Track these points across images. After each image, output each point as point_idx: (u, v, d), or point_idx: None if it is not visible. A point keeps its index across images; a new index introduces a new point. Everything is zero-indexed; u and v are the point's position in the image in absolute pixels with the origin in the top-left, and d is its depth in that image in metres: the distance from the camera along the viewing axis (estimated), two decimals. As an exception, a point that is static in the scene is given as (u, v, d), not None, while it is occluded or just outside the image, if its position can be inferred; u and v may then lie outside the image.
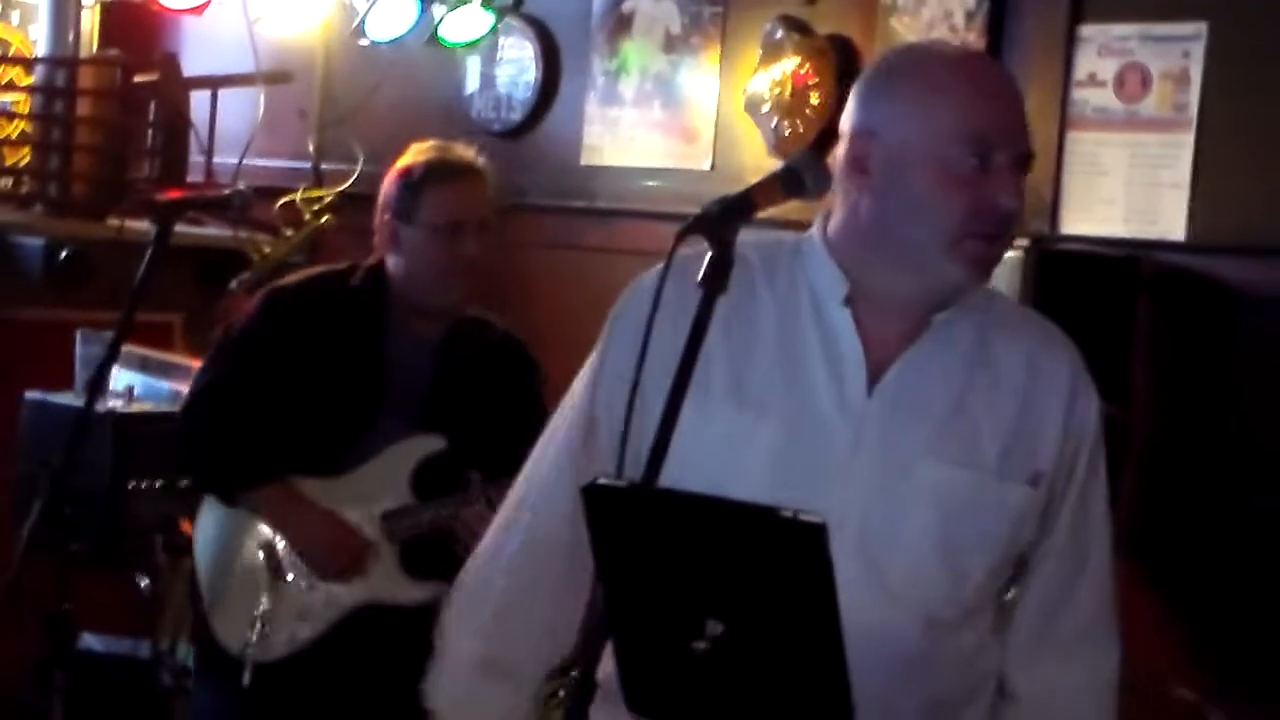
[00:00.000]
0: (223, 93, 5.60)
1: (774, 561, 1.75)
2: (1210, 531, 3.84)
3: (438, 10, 5.13)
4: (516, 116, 5.35)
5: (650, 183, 4.99)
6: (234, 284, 4.95)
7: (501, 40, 5.35)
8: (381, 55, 5.34)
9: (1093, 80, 4.09)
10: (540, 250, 5.22)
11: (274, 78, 5.52)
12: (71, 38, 5.70)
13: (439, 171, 3.78)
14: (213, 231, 5.32)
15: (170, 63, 5.68)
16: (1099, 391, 2.40)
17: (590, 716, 1.94)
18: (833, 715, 1.81)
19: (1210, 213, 3.87)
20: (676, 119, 4.98)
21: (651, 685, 1.87)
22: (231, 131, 5.55)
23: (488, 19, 5.18)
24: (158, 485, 4.37)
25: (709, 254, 2.03)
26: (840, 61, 4.54)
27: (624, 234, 4.94)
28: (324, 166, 5.50)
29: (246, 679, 3.60)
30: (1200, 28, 3.91)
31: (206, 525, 3.86)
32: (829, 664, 1.76)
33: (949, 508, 2.26)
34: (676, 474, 2.18)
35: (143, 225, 3.41)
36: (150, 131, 5.64)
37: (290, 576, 3.74)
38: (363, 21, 5.17)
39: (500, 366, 3.86)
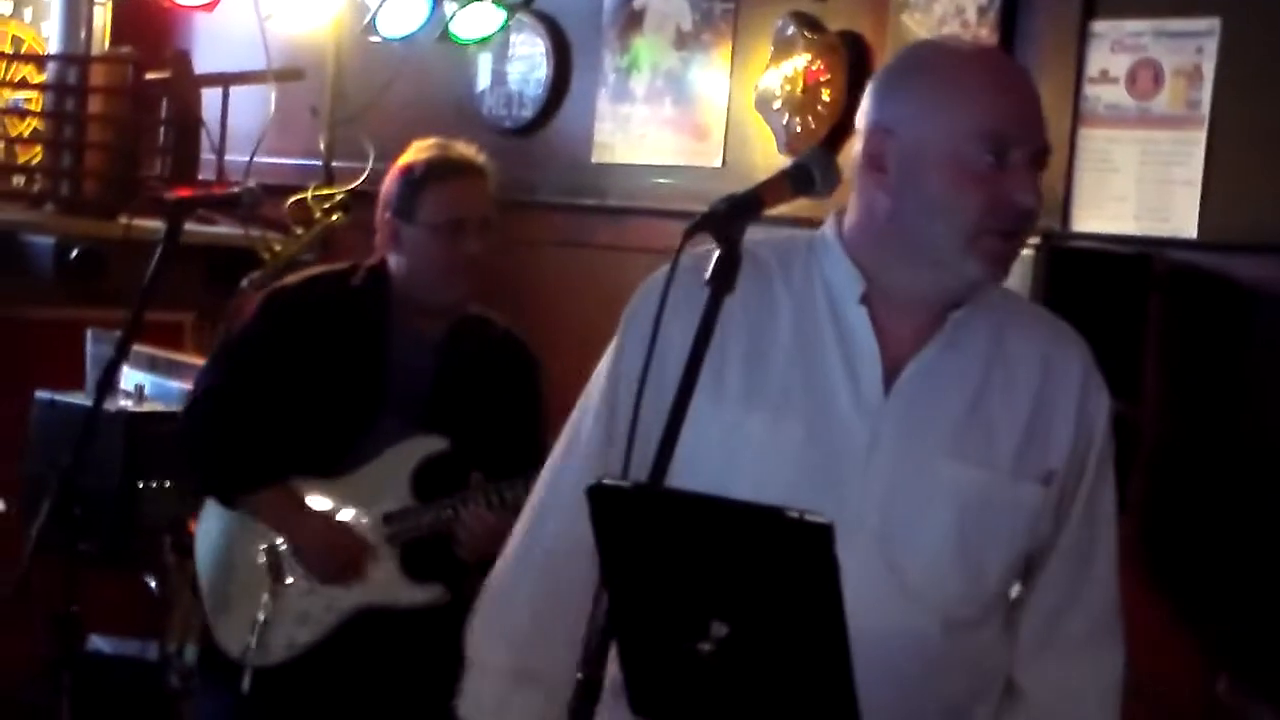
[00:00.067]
0: (234, 90, 5.60)
1: (780, 562, 1.74)
2: (1221, 531, 3.82)
3: (449, 7, 5.13)
4: (528, 114, 5.34)
5: (661, 180, 4.98)
6: (245, 282, 4.93)
7: (513, 37, 5.34)
8: (393, 52, 5.33)
9: (1105, 77, 4.08)
10: (551, 248, 5.21)
11: (285, 75, 5.52)
12: (83, 35, 5.72)
13: (440, 169, 3.76)
14: (224, 230, 5.31)
15: (182, 60, 5.68)
16: (1110, 389, 2.40)
17: (595, 718, 1.93)
18: (838, 717, 1.80)
19: (1222, 210, 3.85)
20: (688, 116, 4.97)
21: (656, 687, 1.86)
22: (243, 129, 5.55)
23: (499, 16, 5.17)
24: (167, 485, 4.36)
25: (716, 253, 2.02)
26: (851, 58, 4.53)
27: (635, 232, 4.93)
28: (335, 164, 5.49)
29: (246, 684, 3.59)
30: (1213, 23, 3.89)
31: (208, 528, 3.85)
32: (835, 666, 1.76)
33: (967, 507, 2.26)
34: (694, 475, 2.19)
35: (153, 224, 3.41)
36: (162, 129, 5.64)
37: (290, 580, 3.73)
38: (374, 18, 5.16)
39: (502, 365, 3.84)
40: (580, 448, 2.42)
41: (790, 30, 4.63)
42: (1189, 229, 3.90)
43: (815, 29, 4.59)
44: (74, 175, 5.60)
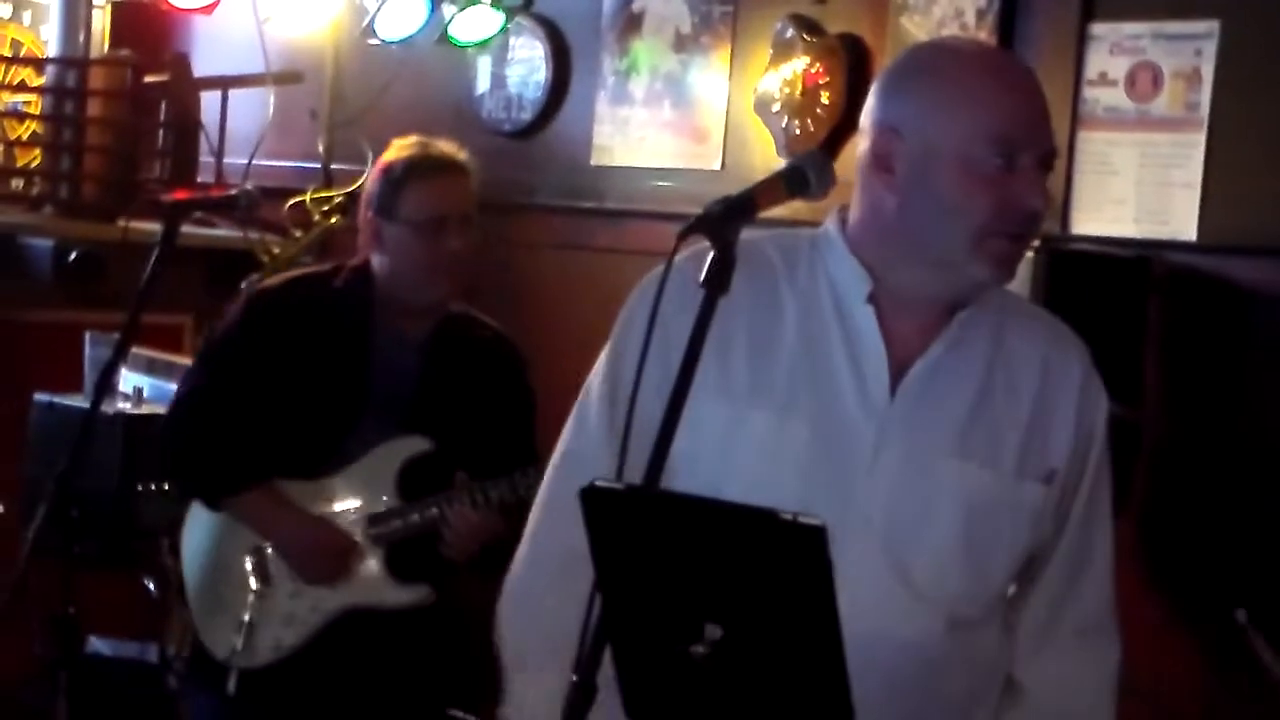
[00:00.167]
0: (233, 93, 5.60)
1: (774, 564, 1.74)
2: (1221, 532, 3.82)
3: (448, 10, 5.12)
4: (527, 116, 5.33)
5: (660, 183, 4.98)
6: (244, 285, 4.93)
7: (512, 40, 5.34)
8: (391, 55, 5.33)
9: (1104, 79, 4.07)
10: (550, 250, 5.21)
11: (284, 78, 5.52)
12: (82, 38, 5.71)
13: (420, 167, 3.74)
14: (222, 233, 5.31)
15: (181, 63, 5.68)
16: (1110, 392, 2.42)
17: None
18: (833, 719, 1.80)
19: (1222, 213, 3.84)
20: (687, 119, 4.97)
21: (650, 690, 1.86)
22: (242, 132, 5.55)
23: (498, 18, 5.17)
24: (165, 488, 4.35)
25: (710, 254, 2.02)
26: (851, 61, 4.52)
27: (634, 234, 4.93)
28: (334, 167, 5.48)
29: (231, 686, 3.59)
30: (1212, 26, 3.88)
31: (194, 531, 3.84)
32: (829, 668, 1.75)
33: (973, 506, 2.28)
34: (697, 474, 2.21)
35: (152, 226, 3.42)
36: (161, 132, 5.64)
37: (276, 582, 3.72)
38: (372, 21, 5.15)
39: (489, 364, 3.83)
40: (584, 447, 2.41)
41: (789, 33, 4.63)
42: (1188, 231, 3.89)
43: (814, 32, 4.58)
44: (73, 178, 5.59)
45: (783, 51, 4.65)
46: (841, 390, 2.28)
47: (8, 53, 5.94)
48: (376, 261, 3.76)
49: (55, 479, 3.11)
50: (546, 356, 4.23)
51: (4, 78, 5.93)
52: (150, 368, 4.76)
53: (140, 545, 4.39)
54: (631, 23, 5.09)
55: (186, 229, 3.57)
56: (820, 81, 4.54)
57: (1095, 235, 4.02)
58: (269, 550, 3.73)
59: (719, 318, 2.12)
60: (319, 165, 5.53)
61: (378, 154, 3.92)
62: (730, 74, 4.86)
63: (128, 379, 4.67)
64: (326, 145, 5.54)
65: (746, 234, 2.10)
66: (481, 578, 3.61)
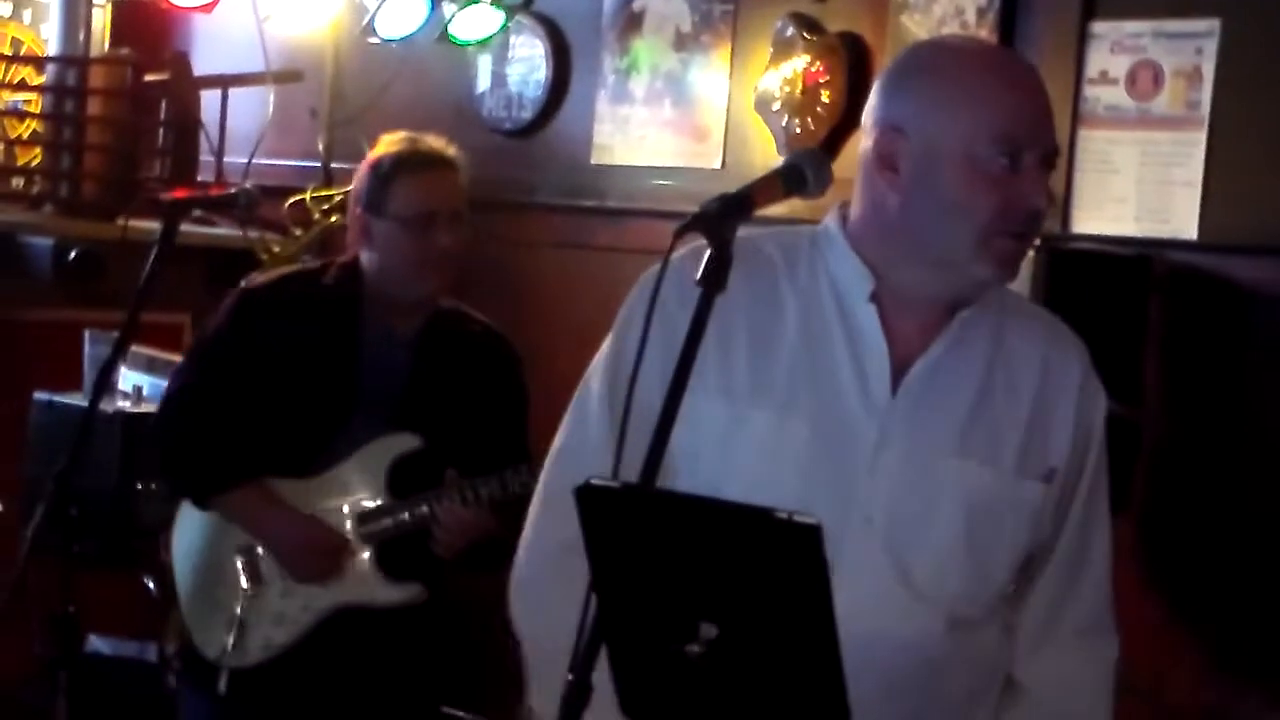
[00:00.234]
0: (233, 92, 5.59)
1: (769, 563, 1.73)
2: (1222, 532, 3.81)
3: (448, 9, 5.12)
4: (527, 115, 5.33)
5: (660, 182, 4.97)
6: (243, 284, 4.93)
7: (513, 39, 5.33)
8: (392, 54, 5.32)
9: (1104, 78, 4.06)
10: (550, 249, 5.20)
11: (284, 77, 5.52)
12: (82, 37, 5.70)
13: (409, 162, 3.72)
14: (222, 231, 5.31)
15: (181, 62, 5.68)
16: (1110, 391, 2.43)
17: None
18: (829, 719, 1.79)
19: (1222, 211, 3.84)
20: (687, 117, 4.96)
21: (645, 689, 1.85)
22: (242, 131, 5.55)
23: (498, 17, 5.16)
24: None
25: (707, 252, 2.02)
26: (851, 59, 4.51)
27: (634, 233, 4.92)
28: (334, 165, 5.47)
29: (222, 686, 3.58)
30: (1213, 24, 3.87)
31: (184, 530, 3.83)
32: (825, 667, 1.75)
33: (974, 505, 2.28)
34: (698, 473, 2.21)
35: (152, 225, 3.42)
36: (161, 131, 5.64)
37: (267, 581, 3.71)
38: (372, 19, 5.15)
39: (480, 360, 3.81)
40: (585, 440, 2.40)
41: (790, 31, 4.62)
42: (1189, 230, 3.89)
43: (815, 30, 4.58)
44: (73, 177, 5.59)
45: (783, 50, 4.64)
46: (843, 389, 2.28)
47: (8, 51, 5.94)
48: (365, 258, 3.74)
49: (54, 477, 3.11)
50: (547, 355, 4.22)
51: (4, 76, 5.93)
52: (150, 366, 4.76)
53: (140, 544, 4.39)
54: (632, 21, 5.09)
55: (186, 228, 3.56)
56: (820, 80, 4.53)
57: (1096, 234, 4.01)
58: (259, 549, 3.72)
59: (719, 315, 2.12)
60: (319, 164, 5.53)
61: (377, 153, 3.91)
62: (731, 72, 4.86)
63: (127, 377, 4.67)
64: (326, 144, 5.54)
65: (747, 231, 2.10)
66: (474, 575, 3.61)
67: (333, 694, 3.71)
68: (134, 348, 4.53)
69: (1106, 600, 2.44)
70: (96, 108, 5.61)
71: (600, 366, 2.41)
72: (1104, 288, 3.76)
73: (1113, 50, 4.05)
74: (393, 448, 3.72)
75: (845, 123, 4.39)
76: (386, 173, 3.71)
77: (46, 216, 5.48)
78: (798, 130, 4.58)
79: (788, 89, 4.61)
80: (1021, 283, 3.53)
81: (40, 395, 4.66)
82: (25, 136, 5.78)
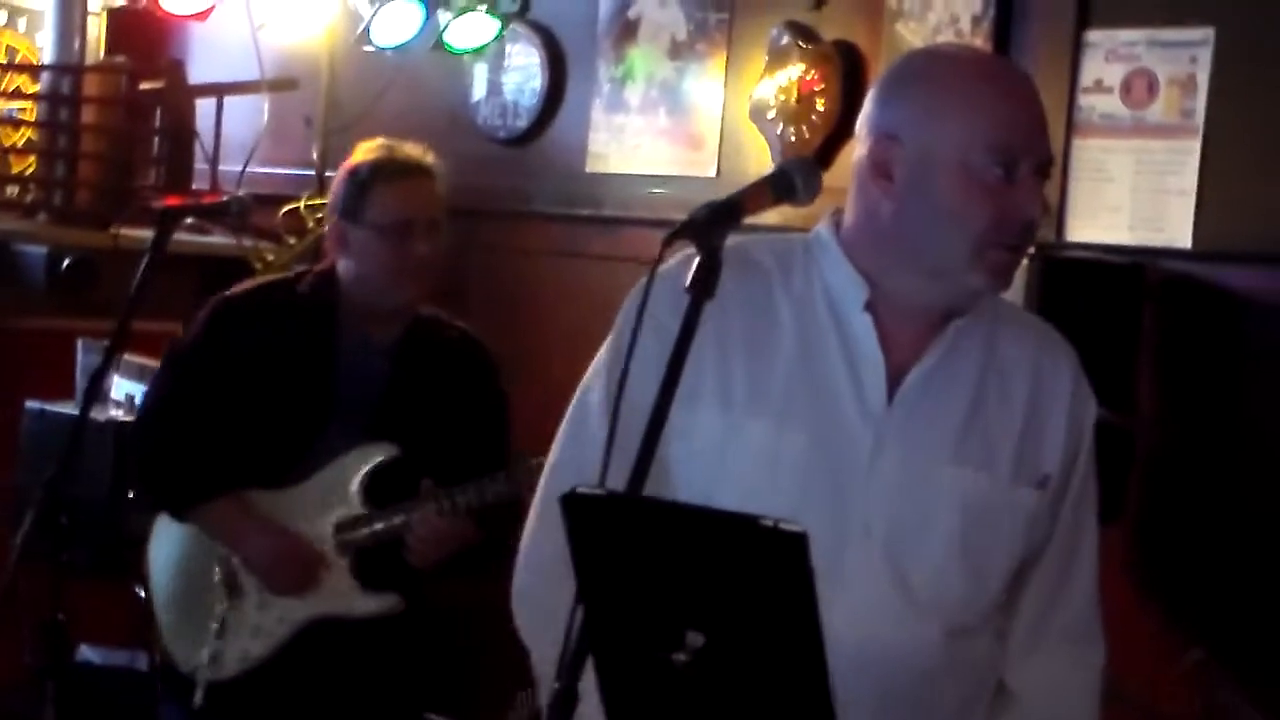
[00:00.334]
0: (228, 100, 5.60)
1: (755, 572, 1.72)
2: (1215, 541, 3.80)
3: (443, 17, 5.11)
4: (522, 124, 5.32)
5: (656, 190, 4.96)
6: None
7: (508, 47, 5.33)
8: (387, 62, 5.32)
9: (1099, 86, 4.05)
10: (545, 258, 5.19)
11: (279, 85, 5.52)
12: (77, 45, 5.71)
13: (386, 170, 3.71)
14: (216, 240, 5.31)
15: (176, 70, 5.69)
16: (1104, 399, 2.43)
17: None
18: (816, 729, 1.79)
19: (1217, 220, 3.83)
20: (682, 126, 4.95)
21: (632, 698, 1.84)
22: (237, 139, 5.55)
23: (493, 25, 5.16)
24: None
25: (696, 259, 2.01)
26: (846, 68, 4.50)
27: (629, 242, 4.91)
28: (328, 174, 5.45)
29: (198, 699, 3.56)
30: (1207, 33, 3.87)
31: (161, 543, 3.82)
32: (811, 675, 1.74)
33: (971, 512, 2.28)
34: (694, 483, 2.20)
35: (146, 233, 3.42)
36: (156, 139, 5.64)
37: (244, 593, 3.69)
38: (367, 28, 5.15)
39: (458, 368, 3.79)
40: (587, 451, 2.38)
41: (785, 40, 4.61)
42: (1183, 239, 3.88)
43: (810, 38, 4.57)
44: (67, 185, 5.59)
45: (778, 58, 4.63)
46: (839, 397, 2.28)
47: (3, 59, 5.94)
48: (342, 266, 3.73)
49: (44, 485, 3.10)
50: (542, 362, 4.22)
51: (-1, 85, 5.93)
52: (142, 375, 4.74)
53: (130, 553, 4.37)
54: (627, 30, 5.08)
55: (180, 236, 3.56)
56: (815, 88, 4.53)
57: (1090, 242, 4.00)
58: (236, 562, 3.69)
59: (716, 322, 2.13)
60: (314, 172, 5.54)
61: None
62: (725, 81, 4.85)
63: (119, 386, 4.66)
64: (321, 152, 5.54)
65: (740, 238, 2.09)
66: (453, 584, 3.60)
67: (310, 706, 3.69)
68: (126, 356, 4.52)
69: (1094, 606, 2.44)
70: (91, 116, 5.62)
71: (599, 376, 2.40)
72: (1098, 296, 3.75)
73: (1107, 59, 4.05)
74: (369, 457, 3.69)
75: (840, 131, 4.39)
76: (363, 181, 3.69)
77: (40, 225, 5.48)
78: (793, 139, 4.57)
79: (783, 97, 4.61)
80: (1016, 291, 3.53)
81: (32, 404, 4.66)
82: (20, 145, 5.78)
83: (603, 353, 2.41)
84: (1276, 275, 3.74)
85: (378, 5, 5.12)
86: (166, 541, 3.80)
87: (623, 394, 2.01)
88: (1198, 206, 3.86)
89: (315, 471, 3.69)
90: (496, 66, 5.39)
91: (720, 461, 2.26)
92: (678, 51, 4.97)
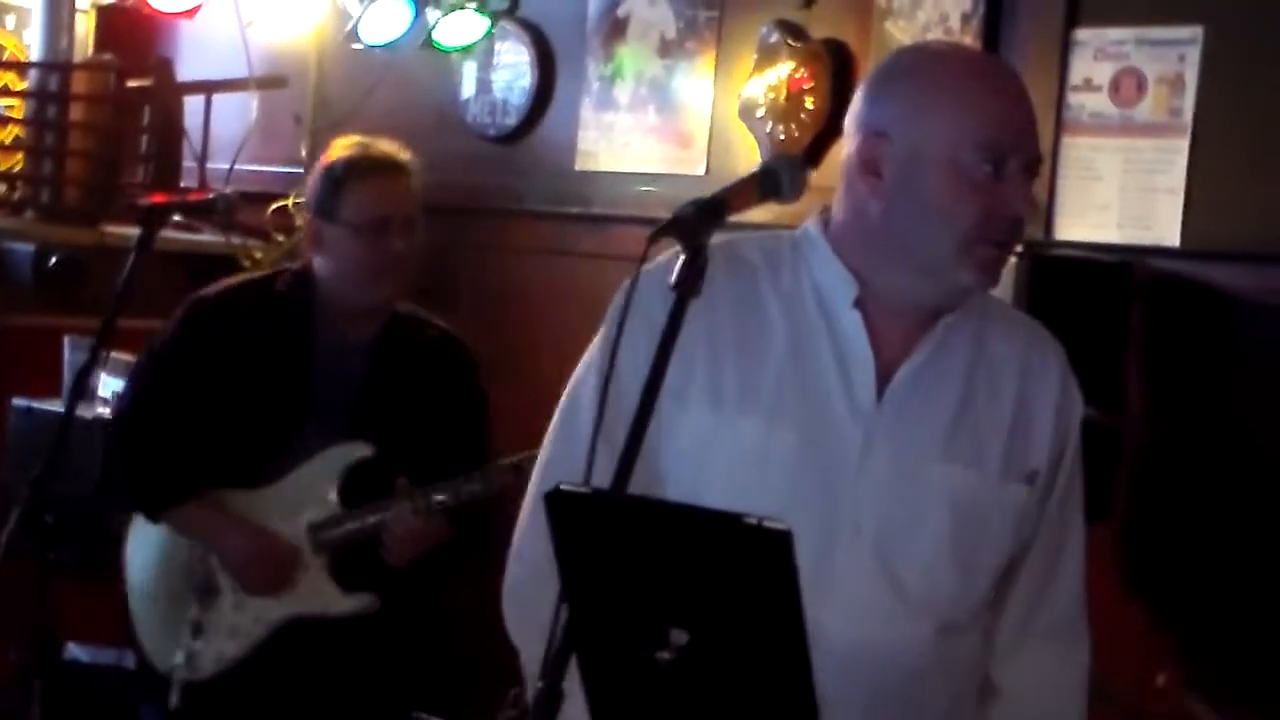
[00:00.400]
0: (217, 98, 5.59)
1: (739, 569, 1.72)
2: (1204, 540, 3.80)
3: (432, 14, 5.11)
4: (512, 121, 5.31)
5: (645, 188, 4.96)
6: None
7: (497, 45, 5.31)
8: (376, 60, 5.31)
9: (1088, 85, 4.05)
10: (535, 256, 5.19)
11: (268, 82, 5.51)
12: (65, 42, 5.69)
13: (361, 167, 3.69)
14: (205, 237, 5.30)
15: (164, 68, 5.66)
16: (1092, 398, 2.45)
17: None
18: (799, 726, 1.78)
19: (1205, 219, 3.83)
20: (671, 124, 4.95)
21: (616, 696, 1.84)
22: (225, 137, 5.54)
23: (482, 23, 5.15)
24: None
25: (681, 257, 2.01)
26: (835, 66, 4.50)
27: (618, 240, 4.90)
28: (318, 172, 5.46)
29: (174, 699, 3.55)
30: (1196, 31, 3.87)
31: (138, 542, 3.80)
32: (794, 673, 1.73)
33: (961, 509, 2.28)
34: (684, 480, 2.21)
35: (134, 231, 3.42)
36: (144, 137, 5.62)
37: (220, 593, 3.67)
38: (356, 25, 5.14)
39: (437, 366, 3.77)
40: (578, 449, 2.38)
41: (774, 38, 4.61)
42: (1172, 237, 3.88)
43: (799, 37, 4.56)
44: (55, 183, 5.57)
45: (767, 57, 4.63)
46: (829, 394, 2.28)
47: (-9, 56, 5.92)
48: (318, 264, 3.71)
49: (30, 483, 3.09)
50: (531, 361, 4.22)
51: (-13, 82, 5.91)
52: (129, 373, 4.73)
53: (117, 552, 4.36)
54: (616, 28, 5.08)
55: (169, 233, 3.55)
56: (805, 87, 4.52)
57: (1079, 241, 4.00)
58: (213, 561, 3.68)
59: (706, 320, 2.13)
60: (302, 170, 5.51)
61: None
62: (715, 79, 4.84)
63: (107, 384, 4.65)
64: (310, 150, 5.53)
65: (729, 235, 2.09)
66: (429, 583, 3.58)
67: (289, 706, 3.68)
68: (113, 354, 4.50)
69: (1081, 604, 2.45)
70: (79, 113, 5.59)
71: (588, 374, 2.39)
72: (1086, 294, 3.74)
73: (1096, 57, 4.04)
74: (345, 456, 3.68)
75: (829, 129, 4.38)
76: (338, 178, 3.68)
77: (28, 222, 5.45)
78: (782, 137, 4.56)
79: (772, 95, 4.60)
80: (1004, 289, 3.53)
81: (19, 401, 4.64)
82: (7, 142, 5.75)
83: (593, 349, 2.41)
84: (1265, 273, 3.74)
85: (366, 3, 5.12)
86: (143, 541, 3.79)
87: (608, 391, 2.01)
88: (1186, 205, 3.86)
89: (291, 470, 3.67)
90: (485, 64, 5.38)
91: (710, 459, 2.26)
92: (667, 49, 4.97)
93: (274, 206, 5.23)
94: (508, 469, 3.60)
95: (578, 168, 5.16)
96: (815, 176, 2.25)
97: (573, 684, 1.87)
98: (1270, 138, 3.76)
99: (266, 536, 3.65)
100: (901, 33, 4.36)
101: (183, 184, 5.57)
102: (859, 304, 2.28)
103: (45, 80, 5.63)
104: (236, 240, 5.15)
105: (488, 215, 5.24)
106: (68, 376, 4.80)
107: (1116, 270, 3.82)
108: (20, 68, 5.80)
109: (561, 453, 2.38)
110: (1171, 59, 3.91)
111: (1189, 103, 3.87)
